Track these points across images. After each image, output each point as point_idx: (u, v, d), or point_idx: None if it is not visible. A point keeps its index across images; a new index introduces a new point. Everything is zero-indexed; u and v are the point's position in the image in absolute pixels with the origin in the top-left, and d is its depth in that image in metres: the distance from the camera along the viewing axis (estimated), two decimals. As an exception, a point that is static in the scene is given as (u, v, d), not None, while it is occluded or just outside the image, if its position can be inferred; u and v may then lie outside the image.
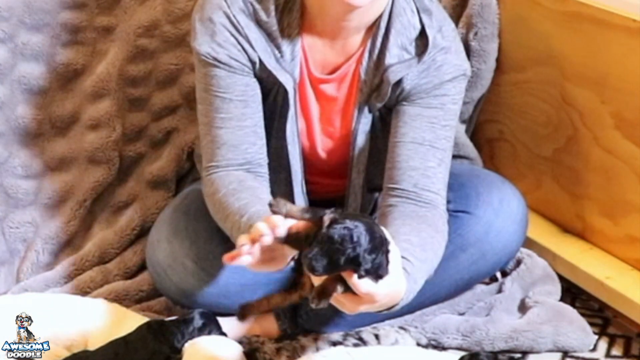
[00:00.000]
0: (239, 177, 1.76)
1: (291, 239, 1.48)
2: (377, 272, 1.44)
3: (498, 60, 2.17)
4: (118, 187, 2.21)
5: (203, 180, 1.82)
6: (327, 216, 1.43)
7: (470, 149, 2.22)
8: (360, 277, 1.40)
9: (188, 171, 2.26)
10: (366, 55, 1.78)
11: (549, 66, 2.07)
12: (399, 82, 1.76)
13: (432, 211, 1.74)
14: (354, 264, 1.39)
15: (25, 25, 2.08)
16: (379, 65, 1.77)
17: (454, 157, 2.17)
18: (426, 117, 1.77)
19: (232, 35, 1.74)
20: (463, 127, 2.23)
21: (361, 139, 1.83)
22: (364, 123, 1.82)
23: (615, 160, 1.97)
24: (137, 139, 2.22)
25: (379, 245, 1.42)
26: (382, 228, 1.46)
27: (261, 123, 1.79)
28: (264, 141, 1.80)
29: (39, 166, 2.14)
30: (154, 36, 2.19)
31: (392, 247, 1.46)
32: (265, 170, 1.81)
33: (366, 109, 1.80)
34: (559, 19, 2.02)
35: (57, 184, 2.15)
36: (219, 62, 1.75)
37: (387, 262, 1.45)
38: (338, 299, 1.46)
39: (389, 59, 1.75)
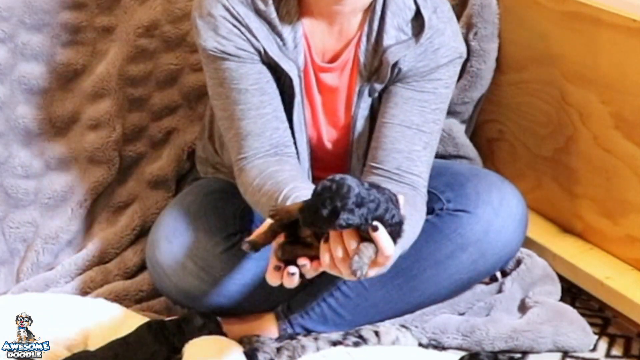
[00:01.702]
0: (260, 168, 1.76)
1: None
2: (399, 231, 1.48)
3: (498, 60, 2.17)
4: (118, 187, 2.21)
5: (235, 175, 1.83)
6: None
7: (470, 149, 2.22)
8: (341, 227, 1.42)
9: (188, 171, 2.26)
10: (364, 38, 1.79)
11: (548, 66, 2.07)
12: (395, 63, 1.77)
13: (412, 192, 1.76)
14: (335, 214, 1.41)
15: (25, 25, 2.08)
16: (377, 47, 1.78)
17: (454, 157, 2.18)
18: (417, 101, 1.78)
19: (235, 26, 1.74)
20: (463, 127, 2.23)
21: (361, 124, 1.84)
22: (364, 108, 1.82)
23: (615, 160, 1.97)
24: (137, 139, 2.22)
25: (378, 202, 1.44)
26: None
27: (281, 107, 1.80)
28: (286, 124, 1.80)
29: (39, 166, 2.14)
30: (154, 36, 2.19)
31: None
32: (292, 150, 1.81)
33: (366, 93, 1.81)
34: (559, 19, 2.02)
35: (57, 184, 2.15)
36: (228, 54, 1.75)
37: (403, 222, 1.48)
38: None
39: (387, 41, 1.76)
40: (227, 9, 1.74)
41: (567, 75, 2.03)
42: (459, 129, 2.21)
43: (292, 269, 1.50)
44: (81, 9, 2.13)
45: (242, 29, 1.74)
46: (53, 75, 2.12)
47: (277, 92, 1.79)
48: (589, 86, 1.99)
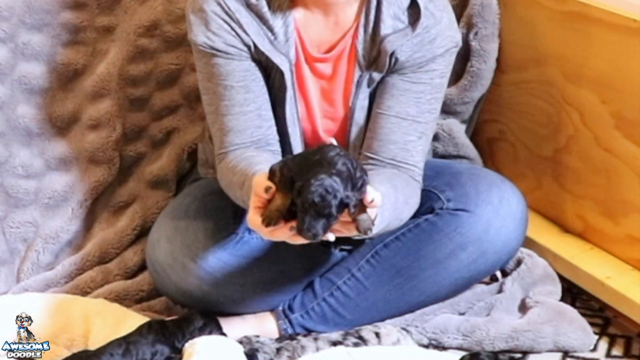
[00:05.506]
0: (237, 154, 1.79)
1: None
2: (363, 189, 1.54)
3: (498, 60, 2.18)
4: (118, 187, 2.21)
5: (216, 166, 1.86)
6: (277, 166, 1.55)
7: (470, 149, 2.22)
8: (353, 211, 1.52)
9: (188, 171, 2.26)
10: (361, 29, 1.80)
11: (549, 66, 2.07)
12: (393, 53, 1.77)
13: (408, 177, 1.80)
14: (343, 206, 1.50)
15: (26, 25, 2.09)
16: (375, 37, 1.79)
17: (454, 157, 2.18)
18: (413, 92, 1.80)
19: (225, 22, 1.76)
20: (463, 127, 2.23)
21: (359, 115, 1.84)
22: (362, 98, 1.83)
23: (616, 160, 1.97)
24: (138, 139, 2.23)
25: (352, 174, 1.52)
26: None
27: (266, 105, 1.82)
28: (271, 122, 1.83)
29: (40, 166, 2.14)
30: (155, 36, 2.19)
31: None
32: (275, 147, 1.84)
33: (365, 84, 1.82)
34: (559, 19, 2.02)
35: (57, 183, 2.15)
36: (216, 50, 1.77)
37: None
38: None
39: (384, 30, 1.77)
40: (219, 4, 1.76)
41: (567, 75, 2.03)
42: (459, 129, 2.21)
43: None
44: (82, 8, 2.13)
45: (233, 25, 1.76)
46: (53, 75, 2.13)
47: (263, 90, 1.81)
48: (589, 86, 1.99)
